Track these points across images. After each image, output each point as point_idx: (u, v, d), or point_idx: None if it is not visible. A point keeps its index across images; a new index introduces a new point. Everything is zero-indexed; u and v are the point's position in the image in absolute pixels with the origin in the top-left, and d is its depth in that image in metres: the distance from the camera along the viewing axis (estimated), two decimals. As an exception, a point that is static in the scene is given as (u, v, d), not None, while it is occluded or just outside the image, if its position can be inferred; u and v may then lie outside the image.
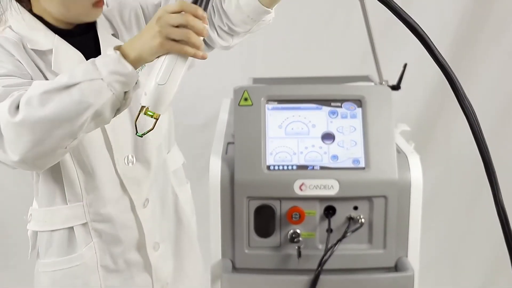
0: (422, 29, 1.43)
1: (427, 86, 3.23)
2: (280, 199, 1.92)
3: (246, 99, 1.97)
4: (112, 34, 1.73)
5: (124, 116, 1.67)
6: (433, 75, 3.20)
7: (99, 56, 1.38)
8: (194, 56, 1.35)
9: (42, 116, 1.30)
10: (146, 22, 1.78)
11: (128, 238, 1.77)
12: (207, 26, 1.57)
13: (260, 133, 1.94)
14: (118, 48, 1.36)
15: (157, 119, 1.35)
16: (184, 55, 1.34)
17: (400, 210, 1.92)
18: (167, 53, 1.34)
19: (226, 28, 1.80)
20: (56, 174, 1.64)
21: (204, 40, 1.69)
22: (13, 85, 1.40)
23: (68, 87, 1.31)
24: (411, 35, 2.94)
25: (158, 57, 1.35)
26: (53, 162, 1.47)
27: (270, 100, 1.98)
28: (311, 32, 3.26)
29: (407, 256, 1.95)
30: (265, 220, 1.94)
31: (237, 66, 3.14)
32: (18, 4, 1.59)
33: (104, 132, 1.65)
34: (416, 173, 1.92)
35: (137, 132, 1.39)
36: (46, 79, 1.55)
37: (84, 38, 1.67)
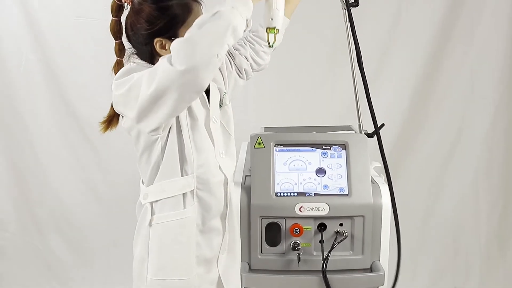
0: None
1: (392, 135, 3.25)
2: (284, 217, 1.93)
3: (259, 143, 1.99)
4: None
5: (218, 130, 1.78)
6: (396, 127, 3.27)
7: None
8: None
9: (199, 32, 1.45)
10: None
11: (215, 208, 1.77)
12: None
13: (270, 169, 1.95)
14: None
15: (276, 34, 1.67)
16: None
17: (374, 226, 1.93)
18: None
19: (264, 49, 1.97)
20: (180, 153, 1.69)
21: (251, 65, 1.96)
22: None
23: (213, 14, 1.47)
24: (383, 97, 3.00)
25: None
26: (209, 75, 1.50)
27: (277, 144, 2.00)
28: (309, 92, 3.25)
29: (379, 260, 1.96)
30: (273, 234, 1.95)
31: (253, 118, 3.15)
32: (141, 60, 1.70)
33: (210, 134, 1.73)
34: (386, 199, 1.94)
35: (270, 45, 1.70)
36: None
37: None
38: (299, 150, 2.00)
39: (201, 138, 1.69)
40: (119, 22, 1.70)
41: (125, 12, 1.70)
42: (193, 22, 1.60)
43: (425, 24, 3.17)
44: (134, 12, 1.65)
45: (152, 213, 1.74)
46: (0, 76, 3.19)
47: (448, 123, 3.31)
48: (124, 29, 1.70)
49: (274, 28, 1.67)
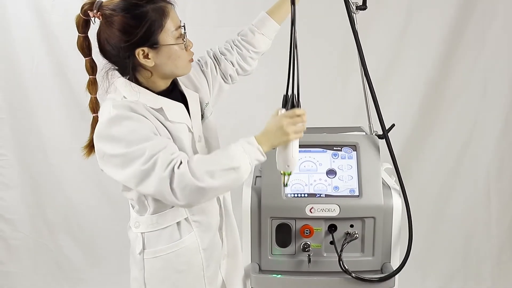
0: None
1: (403, 137, 3.24)
2: (295, 219, 1.92)
3: (270, 144, 1.98)
4: (186, 87, 1.80)
5: (203, 148, 1.78)
6: (406, 129, 3.26)
7: (246, 143, 1.55)
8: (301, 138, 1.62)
9: (213, 183, 1.46)
10: (205, 71, 1.91)
11: (215, 223, 1.78)
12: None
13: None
14: (257, 139, 1.55)
15: (290, 175, 1.66)
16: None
17: (385, 228, 1.92)
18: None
19: (252, 54, 1.95)
20: None
21: (236, 71, 1.95)
22: (159, 150, 1.49)
23: (233, 168, 1.49)
24: (394, 99, 2.98)
25: None
26: None
27: None
28: (320, 93, 3.23)
29: (390, 262, 1.95)
30: (283, 235, 1.94)
31: (263, 119, 3.14)
32: (127, 80, 1.63)
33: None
34: (396, 200, 1.93)
35: (284, 185, 1.68)
36: (166, 128, 1.62)
37: (174, 94, 1.72)
38: (310, 151, 1.99)
39: None
40: (87, 38, 1.62)
41: (94, 27, 1.61)
42: (171, 26, 1.57)
43: (436, 27, 3.16)
44: (107, 25, 1.55)
45: (146, 245, 1.72)
46: (13, 78, 3.22)
47: (459, 125, 3.30)
48: (97, 45, 1.60)
49: (287, 172, 1.68)
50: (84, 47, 1.62)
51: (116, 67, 1.64)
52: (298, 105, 1.63)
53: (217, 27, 3.07)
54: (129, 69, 1.60)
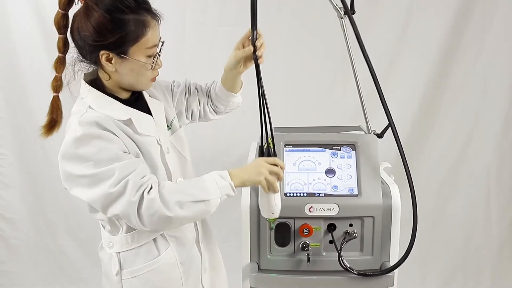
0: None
1: (402, 137, 3.23)
2: (294, 218, 1.92)
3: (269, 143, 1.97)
4: (150, 96, 1.78)
5: (173, 158, 1.76)
6: (406, 128, 3.26)
7: (218, 177, 1.58)
8: (275, 190, 1.67)
9: (182, 214, 1.48)
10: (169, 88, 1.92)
11: (191, 236, 1.77)
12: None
13: (280, 169, 1.95)
14: (230, 173, 1.58)
15: (275, 219, 1.76)
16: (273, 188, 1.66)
17: (384, 227, 1.91)
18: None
19: (213, 108, 2.01)
20: None
21: (199, 112, 2.00)
22: (129, 172, 1.48)
23: (203, 201, 1.51)
24: (393, 98, 2.95)
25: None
26: None
27: (287, 144, 1.99)
28: (319, 93, 3.24)
29: (389, 261, 1.94)
30: (283, 234, 1.93)
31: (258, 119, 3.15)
32: (92, 88, 1.60)
33: (167, 168, 1.69)
34: (396, 199, 1.92)
35: (271, 228, 1.84)
36: (134, 142, 1.59)
37: (139, 103, 1.70)
38: (309, 151, 1.98)
39: (160, 180, 1.60)
40: (66, 16, 1.55)
41: (75, 8, 1.55)
42: (147, 43, 1.53)
43: (437, 27, 3.15)
44: (84, 15, 1.49)
45: (123, 265, 1.69)
46: (13, 78, 3.22)
47: (459, 125, 3.30)
48: (70, 26, 1.54)
49: (272, 218, 1.77)
50: (61, 24, 1.55)
51: (80, 57, 1.60)
52: (276, 155, 1.72)
53: (217, 27, 3.07)
54: (92, 62, 1.58)
